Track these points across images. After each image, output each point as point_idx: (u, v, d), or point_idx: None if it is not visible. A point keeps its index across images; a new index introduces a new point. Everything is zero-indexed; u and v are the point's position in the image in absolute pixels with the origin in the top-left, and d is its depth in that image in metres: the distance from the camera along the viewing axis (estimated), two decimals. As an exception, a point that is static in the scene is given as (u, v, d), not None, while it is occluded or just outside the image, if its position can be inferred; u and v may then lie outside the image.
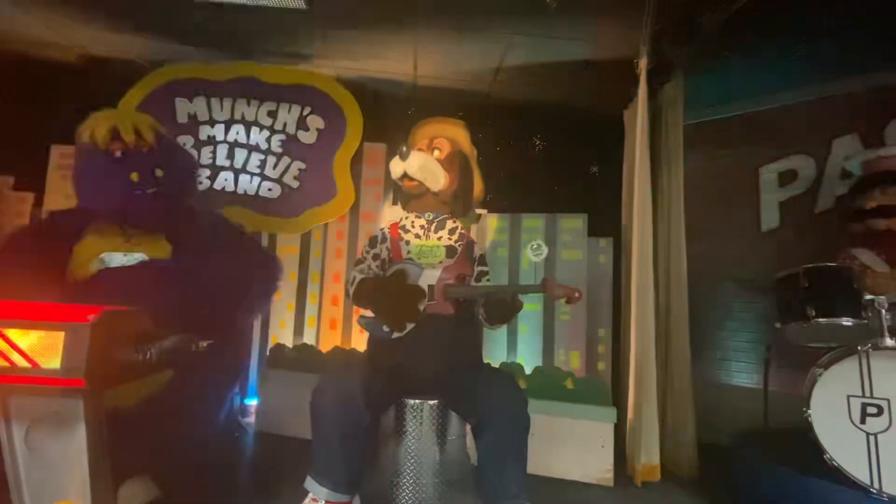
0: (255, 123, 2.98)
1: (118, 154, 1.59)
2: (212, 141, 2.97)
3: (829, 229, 2.67)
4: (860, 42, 2.47)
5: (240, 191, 2.94)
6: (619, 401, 2.33)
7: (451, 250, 1.70)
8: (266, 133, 2.98)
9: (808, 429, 1.68)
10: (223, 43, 2.89)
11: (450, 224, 1.77)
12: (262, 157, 2.96)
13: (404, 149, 1.68)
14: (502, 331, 2.59)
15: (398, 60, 2.92)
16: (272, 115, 2.98)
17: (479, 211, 2.85)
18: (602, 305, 2.55)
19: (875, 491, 1.54)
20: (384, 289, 1.56)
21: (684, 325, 2.40)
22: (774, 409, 2.28)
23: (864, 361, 1.62)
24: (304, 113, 2.97)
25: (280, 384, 2.55)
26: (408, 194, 1.77)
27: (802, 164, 2.92)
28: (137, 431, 1.33)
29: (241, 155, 2.96)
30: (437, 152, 1.75)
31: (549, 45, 2.69)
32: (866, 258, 2.15)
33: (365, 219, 2.93)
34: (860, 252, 2.18)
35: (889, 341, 1.64)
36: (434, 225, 1.75)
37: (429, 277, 1.59)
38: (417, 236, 1.73)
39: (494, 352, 2.61)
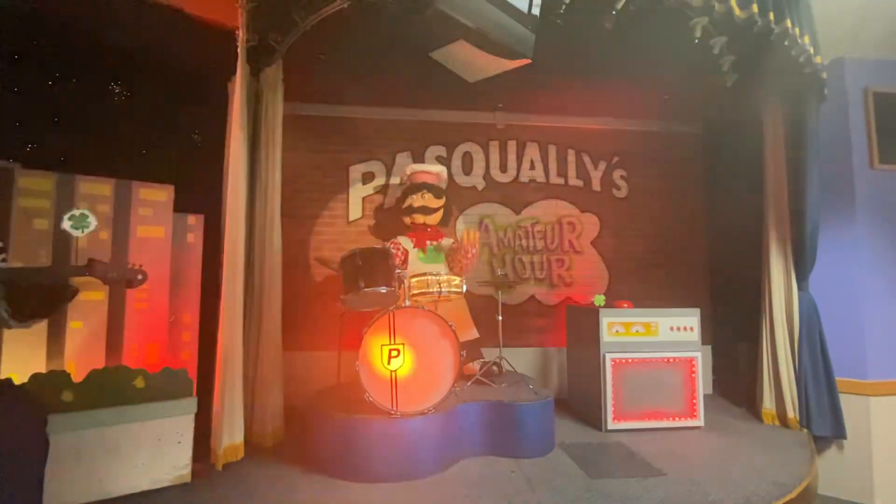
0: None
1: None
2: None
3: (391, 221, 3.48)
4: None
5: None
6: (207, 388, 2.19)
7: None
8: None
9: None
10: None
11: None
12: None
13: None
14: (39, 330, 1.92)
15: None
16: None
17: (2, 164, 2.00)
18: (189, 289, 2.32)
19: (394, 412, 2.09)
20: None
21: (277, 304, 2.53)
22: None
23: (391, 319, 2.17)
24: None
25: None
26: None
27: (378, 169, 3.70)
28: None
29: None
30: None
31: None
32: (405, 243, 2.93)
33: None
34: (402, 239, 2.95)
35: (407, 302, 2.27)
36: None
37: None
38: None
39: (27, 360, 1.90)
